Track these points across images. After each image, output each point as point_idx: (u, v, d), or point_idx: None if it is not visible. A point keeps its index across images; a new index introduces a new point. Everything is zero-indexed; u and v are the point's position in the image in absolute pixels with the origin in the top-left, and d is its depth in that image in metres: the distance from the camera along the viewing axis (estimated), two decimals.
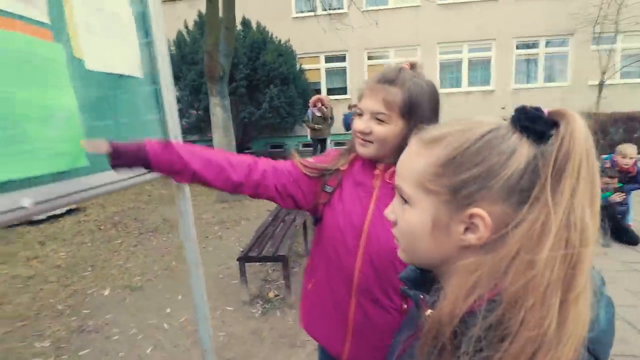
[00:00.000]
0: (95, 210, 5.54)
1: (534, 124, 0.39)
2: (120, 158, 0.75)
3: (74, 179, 0.73)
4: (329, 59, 12.08)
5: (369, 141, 0.80)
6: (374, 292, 0.85)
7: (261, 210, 4.95)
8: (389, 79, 0.78)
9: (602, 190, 2.65)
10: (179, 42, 8.52)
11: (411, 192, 0.44)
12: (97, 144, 0.74)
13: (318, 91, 11.71)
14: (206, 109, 7.59)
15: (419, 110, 0.78)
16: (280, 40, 9.35)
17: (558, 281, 0.33)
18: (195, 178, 0.84)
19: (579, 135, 0.36)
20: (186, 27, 8.66)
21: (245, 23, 9.13)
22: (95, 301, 2.70)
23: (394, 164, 0.80)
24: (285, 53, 9.07)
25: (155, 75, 1.04)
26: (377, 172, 0.86)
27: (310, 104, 7.81)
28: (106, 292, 2.83)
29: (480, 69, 12.16)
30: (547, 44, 11.77)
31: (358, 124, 0.81)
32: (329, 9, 8.38)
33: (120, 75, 0.91)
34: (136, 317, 2.47)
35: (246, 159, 0.90)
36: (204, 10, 5.27)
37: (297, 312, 2.40)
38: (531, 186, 0.38)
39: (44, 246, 4.04)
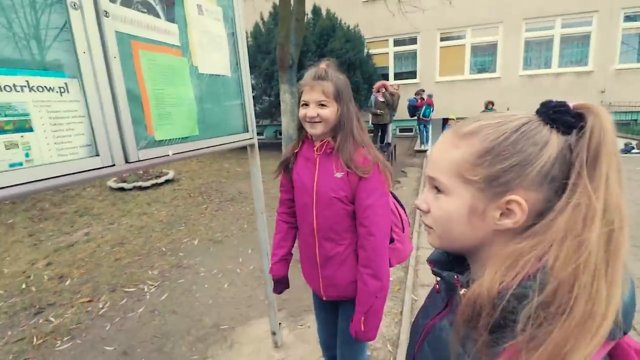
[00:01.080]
0: (186, 182, 6.62)
1: (563, 117, 0.41)
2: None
3: (191, 141, 1.19)
4: (398, 42, 11.80)
5: (317, 122, 1.08)
6: (327, 232, 1.15)
7: None
8: (321, 76, 1.07)
9: None
10: (256, 33, 9.26)
11: (448, 181, 0.46)
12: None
13: (385, 76, 11.62)
14: (277, 95, 8.25)
15: (344, 95, 1.08)
16: (349, 26, 9.49)
17: (604, 259, 0.36)
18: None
19: (609, 126, 0.39)
20: (262, 18, 9.34)
21: (316, 11, 9.46)
22: (188, 247, 3.46)
23: (326, 140, 1.12)
24: (352, 39, 9.20)
25: (239, 73, 1.47)
26: (315, 148, 1.14)
27: (374, 89, 7.90)
28: (195, 242, 3.59)
29: (576, 47, 10.62)
30: None
31: (309, 111, 1.08)
32: None
33: (218, 75, 1.35)
34: (217, 261, 3.13)
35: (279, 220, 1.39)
36: (278, 3, 5.76)
37: None
38: (562, 174, 0.40)
39: (150, 206, 5.09)
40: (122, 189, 6.11)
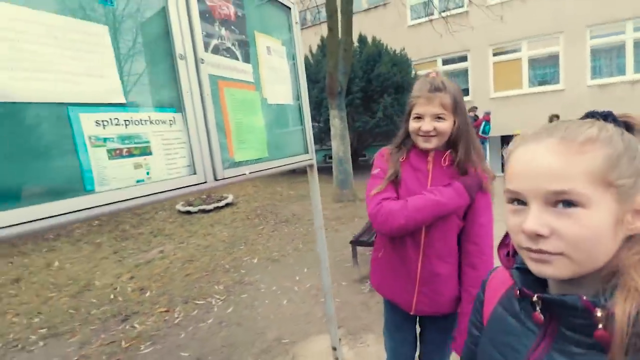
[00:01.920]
0: (244, 205, 7.06)
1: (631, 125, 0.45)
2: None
3: (262, 162, 1.35)
4: (446, 62, 11.68)
5: (432, 136, 1.07)
6: (437, 248, 1.10)
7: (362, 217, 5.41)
8: (438, 88, 1.04)
9: None
10: (305, 64, 9.87)
11: (588, 191, 0.40)
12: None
13: None
14: (326, 121, 8.57)
15: (461, 105, 1.08)
16: (395, 50, 9.68)
17: None
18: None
19: None
20: (310, 51, 9.95)
21: (362, 39, 9.83)
22: (248, 265, 3.68)
23: (442, 150, 1.10)
24: (399, 62, 9.33)
25: (300, 102, 1.65)
26: (429, 159, 1.12)
27: None
28: (255, 260, 3.80)
29: None
30: None
31: (424, 125, 1.06)
32: (448, 9, 8.23)
33: (283, 104, 1.53)
34: (275, 279, 3.28)
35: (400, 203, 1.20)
36: (325, 35, 6.15)
37: None
38: None
39: (213, 227, 5.51)
40: (188, 212, 6.71)
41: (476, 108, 9.24)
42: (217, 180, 1.11)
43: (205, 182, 1.07)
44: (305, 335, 2.36)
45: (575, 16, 9.84)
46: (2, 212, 0.65)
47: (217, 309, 2.80)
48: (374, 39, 9.80)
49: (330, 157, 12.78)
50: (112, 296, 3.16)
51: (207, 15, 1.13)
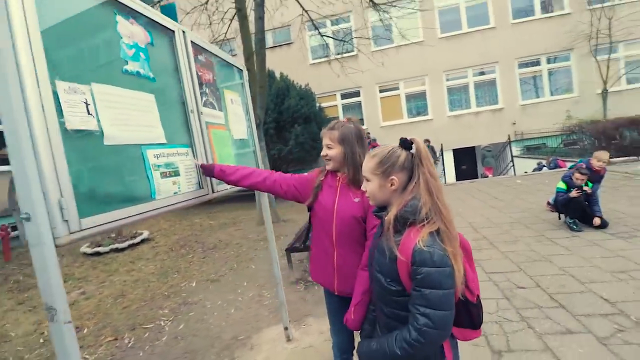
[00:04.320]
0: (162, 239, 6.85)
1: (405, 143, 1.03)
2: (205, 171, 1.59)
3: None
4: (344, 96, 13.54)
5: (329, 160, 1.49)
6: (345, 243, 1.47)
7: (294, 229, 6.04)
8: (331, 127, 1.48)
9: (575, 183, 3.72)
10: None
11: (369, 176, 1.05)
12: (197, 163, 1.67)
13: None
14: None
15: (347, 139, 1.45)
16: (300, 85, 10.86)
17: (437, 190, 0.99)
18: (234, 184, 1.59)
19: (422, 145, 1.01)
20: None
21: (271, 75, 10.75)
22: (188, 289, 3.84)
23: (344, 173, 1.55)
24: (305, 96, 10.51)
25: (252, 134, 2.23)
26: (337, 178, 1.51)
27: None
28: (193, 284, 3.98)
29: (487, 90, 13.02)
30: (549, 60, 12.45)
31: (322, 152, 1.49)
32: (341, 53, 9.78)
33: (242, 138, 2.09)
34: (218, 295, 3.57)
35: (267, 173, 1.59)
36: None
37: None
38: (410, 165, 1.01)
39: (134, 263, 5.31)
40: (98, 254, 6.20)
41: (369, 134, 11.03)
42: (214, 192, 1.61)
43: (208, 194, 1.57)
44: (258, 329, 2.79)
45: (435, 63, 12.79)
46: (106, 214, 1.07)
47: (169, 327, 2.97)
48: (281, 74, 10.83)
49: None
50: (41, 340, 2.97)
51: (200, 81, 1.66)
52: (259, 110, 6.31)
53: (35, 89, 0.86)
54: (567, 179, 4.39)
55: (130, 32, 1.25)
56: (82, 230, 0.93)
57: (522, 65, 12.54)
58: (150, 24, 1.39)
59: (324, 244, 1.53)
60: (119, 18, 1.22)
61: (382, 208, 1.09)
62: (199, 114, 1.56)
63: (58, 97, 0.92)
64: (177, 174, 1.37)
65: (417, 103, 13.33)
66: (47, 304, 0.86)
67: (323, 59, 12.16)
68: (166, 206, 1.28)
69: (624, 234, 3.91)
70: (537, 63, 12.46)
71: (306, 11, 7.78)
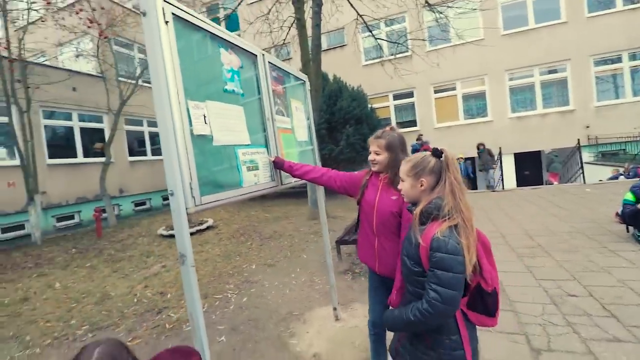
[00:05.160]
0: (224, 227, 7.62)
1: (435, 152, 1.26)
2: (276, 165, 2.04)
3: None
4: (397, 97, 13.47)
5: (375, 163, 1.74)
6: (384, 232, 1.71)
7: (342, 225, 6.35)
8: (378, 136, 1.73)
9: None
10: None
11: (404, 177, 1.30)
12: (271, 159, 2.09)
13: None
14: None
15: (392, 146, 1.70)
16: (353, 87, 11.11)
17: (460, 192, 1.21)
18: (299, 177, 1.97)
19: (451, 154, 1.26)
20: None
21: (324, 76, 11.16)
22: (249, 270, 4.37)
23: (386, 174, 1.90)
24: (357, 97, 10.74)
25: (311, 137, 2.58)
26: (380, 178, 1.76)
27: None
28: (253, 266, 4.50)
29: (557, 90, 12.02)
30: (632, 57, 11.14)
31: (370, 157, 1.74)
32: (395, 54, 9.84)
33: (304, 140, 2.45)
34: (275, 278, 4.02)
35: (324, 170, 1.95)
36: None
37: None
38: (439, 171, 1.24)
39: (203, 246, 6.05)
40: (172, 236, 7.13)
41: (422, 135, 10.90)
42: (283, 184, 1.98)
43: (278, 185, 1.94)
44: (310, 308, 3.15)
45: (496, 62, 12.15)
46: (215, 194, 1.47)
47: (234, 299, 3.48)
48: (334, 76, 11.18)
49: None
50: (135, 300, 3.68)
51: (274, 94, 2.04)
52: (314, 113, 6.72)
53: (177, 106, 1.27)
54: (636, 190, 4.08)
55: (229, 60, 1.66)
56: (202, 204, 1.33)
57: (599, 62, 11.36)
58: (241, 51, 1.79)
59: (367, 232, 1.82)
60: (221, 50, 1.63)
61: (415, 204, 1.33)
62: (273, 121, 1.94)
63: (189, 112, 1.34)
64: (256, 168, 1.75)
65: (476, 104, 12.78)
66: (180, 253, 1.27)
67: (376, 60, 12.25)
68: (249, 193, 1.67)
69: None
70: (618, 60, 11.18)
71: (361, 15, 8.02)
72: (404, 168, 1.33)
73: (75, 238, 7.78)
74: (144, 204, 11.57)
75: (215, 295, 3.61)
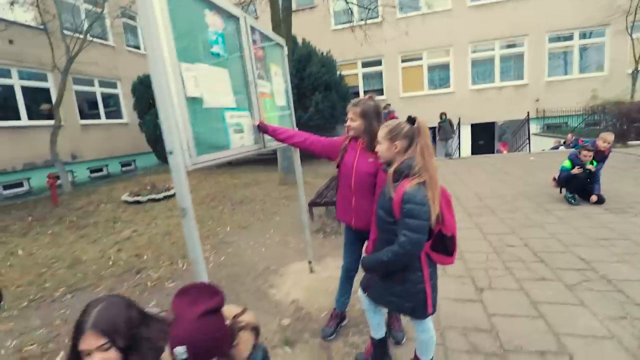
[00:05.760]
0: (193, 194, 7.47)
1: (409, 119, 1.49)
2: (260, 129, 2.16)
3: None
4: (365, 64, 13.50)
5: (351, 129, 1.91)
6: (360, 191, 1.91)
7: (312, 189, 6.59)
8: (355, 103, 1.87)
9: (582, 161, 4.11)
10: None
11: (381, 140, 1.51)
12: (255, 123, 2.26)
13: (357, 94, 13.18)
14: None
15: (367, 114, 1.85)
16: (322, 53, 10.94)
17: (428, 153, 1.44)
18: (282, 141, 2.15)
19: (424, 122, 1.46)
20: None
21: (293, 40, 10.84)
22: (224, 233, 4.51)
23: (363, 139, 2.18)
24: (327, 63, 10.62)
25: (289, 102, 2.68)
26: (358, 143, 1.92)
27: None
28: (227, 229, 4.64)
29: (514, 64, 12.69)
30: (583, 35, 11.93)
31: (347, 122, 1.94)
32: (365, 20, 9.75)
33: (283, 105, 2.55)
34: (250, 238, 4.21)
35: (307, 134, 2.10)
36: None
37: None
38: (412, 136, 1.45)
39: (172, 212, 6.01)
40: (137, 202, 6.98)
41: (389, 105, 11.18)
42: (265, 147, 2.10)
43: (263, 147, 2.06)
44: (285, 264, 3.41)
45: (461, 34, 12.47)
46: (208, 155, 1.57)
47: (212, 258, 3.64)
48: (303, 40, 10.89)
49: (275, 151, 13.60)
50: (110, 263, 3.71)
51: (255, 59, 2.09)
52: None
53: (171, 69, 1.33)
54: (573, 157, 4.68)
55: (213, 21, 1.69)
56: (198, 163, 1.44)
57: (553, 39, 12.09)
58: (224, 13, 1.81)
59: (345, 192, 2.02)
60: (206, 11, 1.65)
61: (389, 164, 1.54)
62: (255, 85, 2.01)
63: (182, 75, 1.40)
64: (242, 131, 1.85)
65: (440, 74, 13.19)
66: (181, 206, 1.39)
67: (346, 25, 12.04)
68: (237, 154, 1.78)
69: (616, 210, 4.26)
70: (570, 38, 11.97)
71: None
72: (382, 132, 1.52)
73: (28, 206, 7.34)
74: (100, 170, 10.96)
75: None
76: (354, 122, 1.90)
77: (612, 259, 3.00)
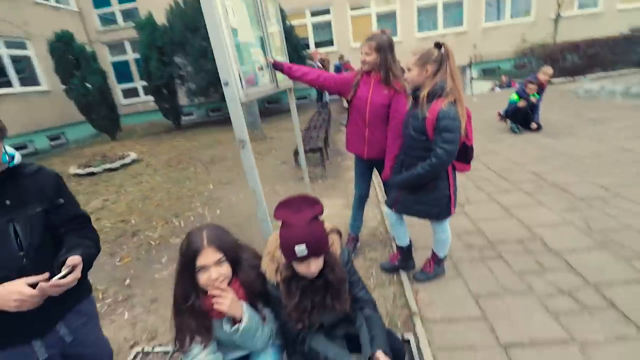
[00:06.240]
0: (152, 159, 7.11)
1: (437, 45, 1.69)
2: (276, 67, 2.15)
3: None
4: (314, 14, 13.02)
5: (365, 63, 2.04)
6: (374, 123, 2.10)
7: (280, 144, 6.64)
8: (369, 38, 2.01)
9: (527, 93, 4.64)
10: (182, 12, 9.49)
11: (411, 66, 1.69)
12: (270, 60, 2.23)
13: (307, 46, 12.82)
14: (214, 73, 8.82)
15: (382, 48, 2.01)
16: None
17: (457, 76, 1.71)
18: (298, 78, 2.13)
19: (450, 47, 1.67)
20: None
21: None
22: (208, 190, 4.47)
23: (377, 73, 2.35)
24: None
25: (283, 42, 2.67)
26: (371, 77, 2.06)
27: (314, 58, 9.15)
28: (211, 186, 4.60)
29: (455, 11, 13.18)
30: None
31: (362, 57, 2.12)
32: None
33: (280, 47, 2.54)
34: (238, 192, 4.26)
35: (319, 71, 2.24)
36: None
37: (330, 180, 4.21)
38: (440, 60, 1.65)
39: (138, 178, 5.67)
40: (92, 174, 6.43)
41: (344, 55, 11.16)
42: (278, 87, 2.14)
43: (277, 87, 2.11)
44: None
45: None
46: (249, 89, 1.61)
47: (208, 213, 3.66)
48: None
49: (213, 111, 12.88)
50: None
51: None
52: None
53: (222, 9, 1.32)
54: (520, 91, 5.32)
55: None
56: (247, 96, 1.49)
57: None
58: None
59: (359, 124, 2.18)
60: None
61: (418, 89, 1.73)
62: (265, 24, 1.99)
63: (224, 2, 1.38)
64: (262, 68, 1.88)
65: (387, 24, 13.27)
66: (239, 138, 1.45)
67: None
68: (263, 92, 1.82)
69: (552, 134, 5.05)
70: None
71: None
72: (411, 60, 1.68)
73: None
74: (25, 147, 9.49)
75: (186, 213, 3.72)
76: (369, 55, 1.99)
77: (556, 170, 3.67)
